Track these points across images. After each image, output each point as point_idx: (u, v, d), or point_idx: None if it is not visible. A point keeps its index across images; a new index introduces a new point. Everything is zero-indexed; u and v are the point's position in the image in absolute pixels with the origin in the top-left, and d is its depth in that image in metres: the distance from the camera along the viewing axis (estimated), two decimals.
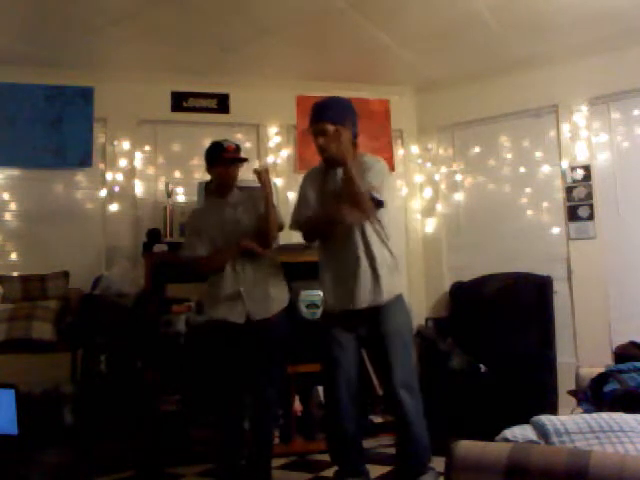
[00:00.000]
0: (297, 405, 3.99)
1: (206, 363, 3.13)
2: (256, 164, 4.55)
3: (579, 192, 4.44)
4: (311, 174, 3.03)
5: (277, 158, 4.82)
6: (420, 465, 2.78)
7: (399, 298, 2.88)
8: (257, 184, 3.04)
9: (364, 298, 2.78)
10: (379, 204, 2.76)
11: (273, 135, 4.83)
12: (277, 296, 3.10)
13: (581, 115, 4.47)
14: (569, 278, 4.43)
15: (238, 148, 3.16)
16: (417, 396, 2.79)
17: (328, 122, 2.79)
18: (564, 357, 4.18)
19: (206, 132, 4.70)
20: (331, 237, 2.85)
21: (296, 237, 3.36)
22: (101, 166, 4.56)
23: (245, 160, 3.20)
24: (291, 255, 3.77)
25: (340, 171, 2.82)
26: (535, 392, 3.73)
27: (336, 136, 2.76)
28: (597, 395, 2.34)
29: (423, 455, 2.78)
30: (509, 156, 4.82)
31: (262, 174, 3.01)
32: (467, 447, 1.39)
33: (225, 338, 3.02)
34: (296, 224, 2.96)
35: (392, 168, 4.89)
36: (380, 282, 2.78)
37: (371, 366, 3.01)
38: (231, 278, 3.02)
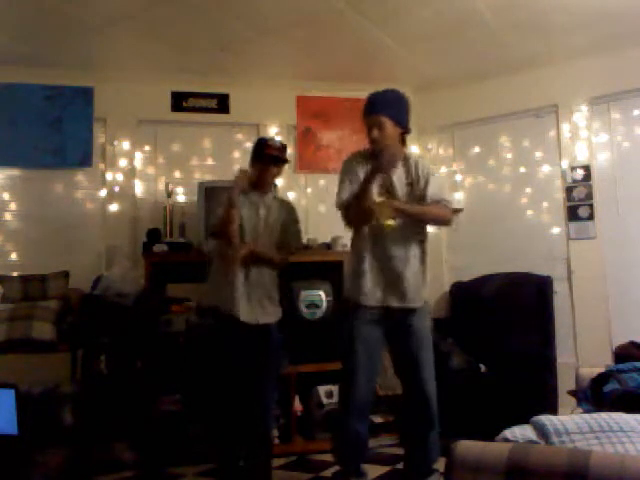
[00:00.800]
0: (297, 405, 3.98)
1: (209, 359, 3.12)
2: None
3: (579, 192, 4.44)
4: (358, 158, 2.89)
5: None
6: (430, 465, 2.79)
7: (427, 304, 2.93)
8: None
9: (413, 297, 2.78)
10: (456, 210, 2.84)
11: (273, 135, 4.82)
12: (278, 304, 3.14)
13: (581, 115, 4.47)
14: (569, 278, 4.43)
15: (283, 147, 3.14)
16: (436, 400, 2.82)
17: (385, 115, 2.77)
18: (564, 357, 4.18)
19: (206, 132, 4.72)
20: (378, 231, 2.77)
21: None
22: (101, 166, 4.56)
23: (286, 161, 3.17)
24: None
25: (396, 171, 2.82)
26: (535, 392, 3.74)
27: (391, 133, 2.77)
28: (597, 395, 2.34)
29: (436, 455, 2.80)
30: (509, 156, 4.83)
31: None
32: (467, 447, 1.39)
33: (233, 336, 3.02)
34: (338, 204, 2.84)
35: None
36: (421, 286, 2.82)
37: (393, 364, 2.97)
38: (239, 278, 3.00)
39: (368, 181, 2.67)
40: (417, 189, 2.83)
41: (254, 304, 3.01)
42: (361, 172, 2.79)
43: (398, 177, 2.84)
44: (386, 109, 2.78)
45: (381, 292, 2.77)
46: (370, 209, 2.66)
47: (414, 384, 2.79)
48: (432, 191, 2.81)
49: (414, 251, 2.82)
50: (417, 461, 2.84)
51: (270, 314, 3.07)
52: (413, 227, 2.83)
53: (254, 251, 3.00)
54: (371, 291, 2.77)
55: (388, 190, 2.79)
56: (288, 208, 3.23)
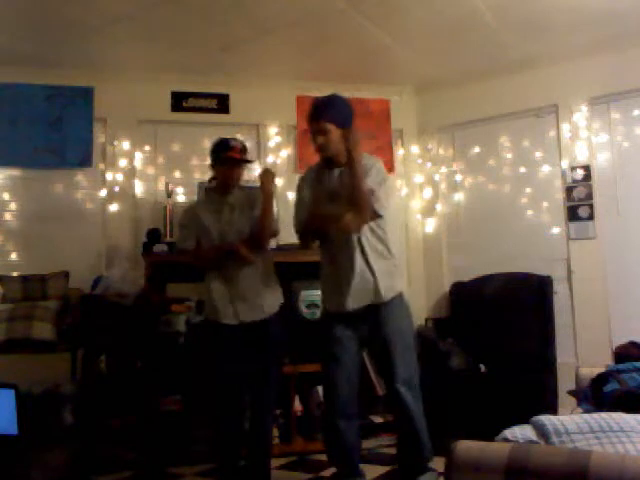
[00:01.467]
0: (297, 405, 3.99)
1: (205, 363, 3.13)
2: (256, 164, 4.54)
3: (579, 192, 4.44)
4: (306, 175, 3.00)
5: (277, 158, 4.82)
6: (421, 462, 2.79)
7: (400, 297, 2.87)
8: (257, 184, 3.03)
9: (357, 299, 2.78)
10: (378, 210, 2.75)
11: (273, 135, 4.83)
12: (268, 299, 3.06)
13: (581, 115, 4.47)
14: (569, 278, 4.43)
15: (244, 148, 3.12)
16: (418, 395, 2.80)
17: (329, 121, 2.77)
18: (564, 357, 4.18)
19: (206, 132, 4.71)
20: (328, 238, 2.84)
21: (295, 237, 3.35)
22: (101, 166, 4.56)
23: (250, 162, 3.19)
24: (291, 255, 3.77)
25: (337, 171, 2.82)
26: (535, 392, 3.73)
27: (342, 137, 2.75)
28: (597, 395, 2.34)
29: (424, 452, 2.79)
30: (509, 156, 4.82)
31: (264, 176, 3.00)
32: (467, 447, 1.39)
33: (218, 339, 3.02)
34: (296, 227, 2.92)
35: (392, 168, 4.89)
36: (377, 282, 2.77)
37: (372, 366, 3.01)
38: (222, 279, 3.00)
39: (355, 176, 2.66)
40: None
41: (236, 303, 2.98)
42: (307, 193, 2.88)
43: (341, 180, 2.82)
44: (326, 114, 2.78)
45: (334, 298, 2.84)
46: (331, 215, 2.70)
47: (391, 380, 2.78)
48: (369, 180, 2.73)
49: (367, 247, 2.79)
50: (406, 460, 2.84)
51: (257, 310, 3.00)
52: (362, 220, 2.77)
53: (231, 246, 2.97)
54: (328, 297, 2.90)
55: (337, 192, 2.80)
56: (253, 196, 3.09)
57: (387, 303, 2.81)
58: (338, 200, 2.75)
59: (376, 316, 2.80)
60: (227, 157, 3.03)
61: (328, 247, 2.88)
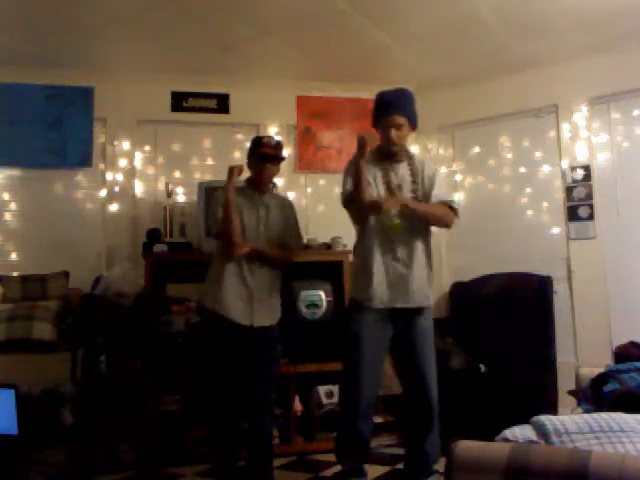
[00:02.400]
0: (297, 405, 3.98)
1: (208, 360, 3.12)
2: None
3: (579, 192, 4.44)
4: (368, 157, 2.80)
5: None
6: (431, 466, 2.80)
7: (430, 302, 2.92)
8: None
9: (418, 297, 2.78)
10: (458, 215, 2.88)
11: (273, 135, 4.82)
12: (277, 307, 3.11)
13: (581, 115, 4.47)
14: (569, 278, 4.43)
15: (278, 145, 3.12)
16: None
17: (405, 116, 2.79)
18: (564, 357, 4.18)
19: (206, 132, 4.72)
20: (388, 230, 2.75)
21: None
22: (101, 166, 4.56)
23: (282, 159, 3.16)
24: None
25: (401, 166, 2.86)
26: (535, 392, 3.73)
27: (406, 134, 2.82)
28: (597, 395, 2.34)
29: (436, 455, 2.80)
30: (509, 156, 4.83)
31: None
32: (467, 447, 1.39)
33: (227, 337, 3.01)
34: (347, 196, 2.81)
35: None
36: (430, 285, 2.84)
37: (395, 365, 2.96)
38: (239, 279, 2.99)
39: (357, 170, 2.68)
40: (422, 189, 2.84)
41: (253, 305, 2.98)
42: (368, 173, 2.78)
43: (404, 176, 2.85)
44: (404, 109, 2.79)
45: (388, 292, 2.76)
46: (378, 203, 2.65)
47: (418, 385, 2.79)
48: (437, 191, 2.83)
49: (420, 251, 2.82)
50: (417, 461, 2.84)
51: (269, 316, 3.05)
52: (419, 226, 2.83)
53: (256, 249, 2.99)
54: (378, 292, 2.75)
55: (394, 189, 2.79)
56: (287, 206, 3.22)
57: (424, 309, 2.84)
58: (393, 193, 2.77)
59: (414, 320, 2.80)
60: (261, 153, 3.04)
61: (385, 239, 2.79)
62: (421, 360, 2.79)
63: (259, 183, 3.10)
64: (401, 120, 2.78)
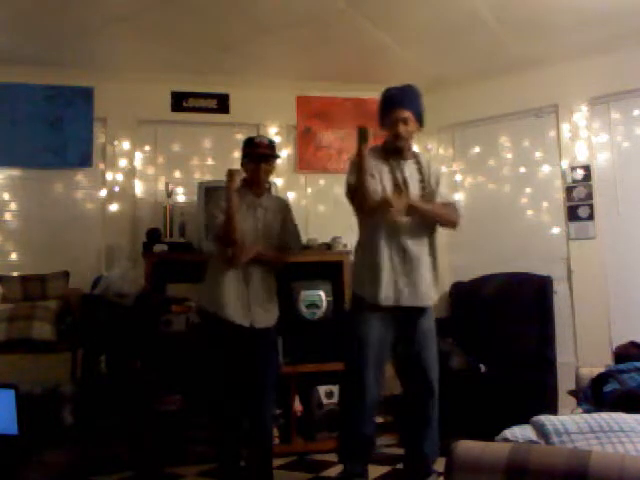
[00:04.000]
0: (297, 405, 3.98)
1: (208, 361, 3.12)
2: None
3: (579, 192, 4.44)
4: (370, 153, 2.80)
5: None
6: (430, 466, 2.79)
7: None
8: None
9: (425, 296, 2.78)
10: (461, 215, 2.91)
11: (273, 135, 4.80)
12: (275, 307, 3.12)
13: (581, 115, 4.47)
14: (569, 278, 4.43)
15: (271, 144, 3.12)
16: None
17: (413, 112, 2.79)
18: (564, 357, 4.17)
19: (206, 132, 4.72)
20: (396, 225, 2.75)
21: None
22: (101, 166, 4.56)
23: (276, 157, 3.17)
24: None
25: (408, 164, 2.86)
26: (535, 392, 3.73)
27: (413, 129, 2.82)
28: (597, 395, 2.35)
29: (435, 456, 2.80)
30: (509, 156, 4.82)
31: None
32: (467, 447, 1.39)
33: (227, 338, 3.01)
34: (351, 187, 2.78)
35: None
36: (436, 284, 2.84)
37: (396, 364, 2.96)
38: (238, 280, 2.99)
39: (361, 165, 2.67)
40: (428, 187, 2.84)
41: (252, 307, 2.98)
42: (376, 172, 2.78)
43: (410, 174, 2.84)
44: (409, 103, 2.80)
45: (396, 290, 2.73)
46: (385, 201, 2.65)
47: (421, 384, 2.79)
48: (443, 191, 2.84)
49: (427, 248, 2.82)
50: (416, 461, 2.84)
51: (268, 318, 3.06)
52: (426, 225, 2.83)
53: (259, 252, 3.00)
54: (385, 289, 2.72)
55: (401, 186, 2.79)
56: (284, 206, 3.22)
57: (427, 309, 2.83)
58: (400, 190, 2.78)
59: (419, 319, 2.80)
60: (254, 152, 3.04)
61: (391, 233, 2.77)
62: (424, 361, 2.79)
63: (255, 184, 3.09)
64: (407, 114, 2.78)
